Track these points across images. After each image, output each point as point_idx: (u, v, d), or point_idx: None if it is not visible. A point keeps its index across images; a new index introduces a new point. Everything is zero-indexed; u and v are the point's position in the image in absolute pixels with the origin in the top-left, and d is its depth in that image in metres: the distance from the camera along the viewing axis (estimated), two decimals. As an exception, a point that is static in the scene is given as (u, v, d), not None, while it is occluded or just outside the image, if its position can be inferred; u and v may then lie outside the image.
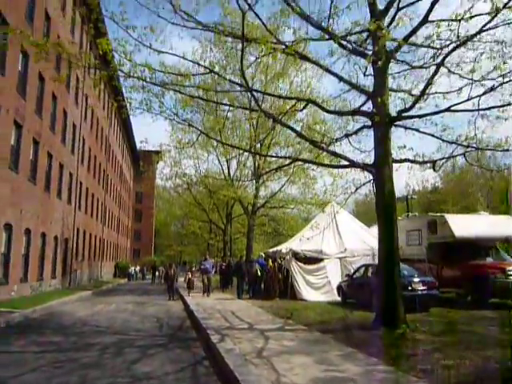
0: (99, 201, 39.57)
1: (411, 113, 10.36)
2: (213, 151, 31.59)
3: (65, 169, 26.24)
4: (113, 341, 9.42)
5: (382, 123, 9.79)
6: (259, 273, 21.23)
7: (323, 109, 10.84)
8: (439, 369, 6.30)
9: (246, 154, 30.42)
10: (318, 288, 19.00)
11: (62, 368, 6.90)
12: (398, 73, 11.02)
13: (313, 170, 27.56)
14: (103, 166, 41.14)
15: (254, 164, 28.69)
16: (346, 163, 10.12)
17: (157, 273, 49.78)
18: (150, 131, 74.85)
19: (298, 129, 14.72)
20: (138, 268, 53.56)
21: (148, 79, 9.69)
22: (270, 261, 20.17)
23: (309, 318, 12.37)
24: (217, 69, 11.54)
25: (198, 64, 10.75)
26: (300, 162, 24.23)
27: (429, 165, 11.89)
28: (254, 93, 10.65)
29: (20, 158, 18.55)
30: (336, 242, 20.17)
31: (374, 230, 24.23)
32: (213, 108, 24.62)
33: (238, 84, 10.96)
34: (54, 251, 25.03)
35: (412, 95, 11.47)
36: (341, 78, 10.40)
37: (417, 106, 10.23)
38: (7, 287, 17.54)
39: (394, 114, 10.47)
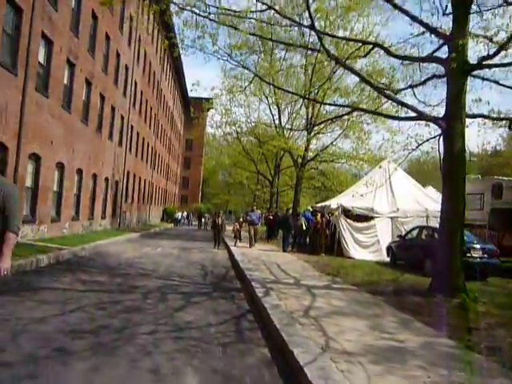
0: (149, 145, 39.91)
1: (493, 61, 9.14)
2: (264, 99, 30.68)
3: (116, 111, 26.27)
4: (157, 285, 9.31)
5: (459, 71, 8.68)
6: (305, 227, 20.82)
7: (391, 53, 9.76)
8: (507, 347, 5.65)
9: (298, 103, 29.45)
10: (366, 246, 18.38)
11: (104, 310, 6.77)
12: (480, 12, 9.63)
13: (368, 124, 26.37)
14: (154, 110, 41.17)
15: (307, 114, 27.65)
16: (413, 115, 9.14)
17: (203, 220, 50.82)
18: (201, 78, 74.12)
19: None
20: (184, 214, 54.66)
21: (202, 13, 8.94)
22: (318, 216, 19.61)
23: (357, 277, 11.85)
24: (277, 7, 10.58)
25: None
26: (356, 114, 23.16)
27: (504, 122, 10.70)
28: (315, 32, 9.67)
29: (72, 98, 18.51)
30: (388, 200, 19.27)
31: (429, 190, 23.14)
32: (268, 51, 23.49)
33: (298, 23, 10.01)
34: (105, 192, 25.53)
35: (493, 42, 10.14)
36: (414, 18, 9.25)
37: (501, 53, 8.98)
38: (59, 224, 18.02)
39: (472, 61, 9.28)
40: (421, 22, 9.21)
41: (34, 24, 14.07)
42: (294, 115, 31.73)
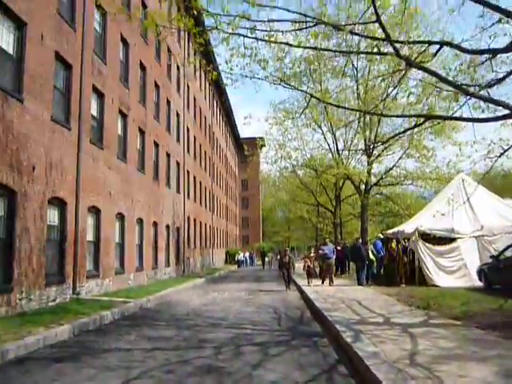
0: (207, 189, 39.96)
1: None
2: (318, 129, 29.82)
3: (172, 158, 26.33)
4: (228, 336, 8.31)
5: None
6: (372, 256, 19.24)
7: (463, 50, 8.60)
8: None
9: (353, 129, 28.33)
10: (451, 272, 16.52)
11: (172, 373, 5.83)
12: None
13: (431, 140, 24.66)
14: (208, 154, 41.46)
15: (365, 138, 26.37)
16: (506, 112, 7.81)
17: (266, 259, 49.78)
18: (251, 119, 75.03)
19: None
20: (247, 254, 53.86)
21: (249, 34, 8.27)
22: (393, 243, 18.02)
23: (453, 308, 10.27)
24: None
25: (305, 15, 9.08)
26: (416, 130, 21.70)
27: None
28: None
29: (127, 148, 18.52)
30: (469, 218, 17.43)
31: (510, 201, 20.84)
32: (317, 76, 22.76)
33: (361, 23, 9.08)
34: (167, 240, 25.27)
35: None
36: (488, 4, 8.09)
37: None
38: (124, 276, 17.66)
39: None
40: (497, 8, 8.02)
41: (84, 78, 14.17)
42: (350, 141, 30.60)
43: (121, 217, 17.69)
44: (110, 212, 16.28)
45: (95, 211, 15.21)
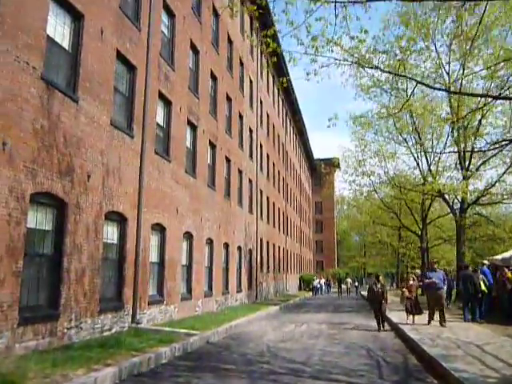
0: (280, 210, 38.02)
1: None
2: (403, 142, 26.97)
3: (244, 175, 24.77)
4: (317, 394, 6.10)
5: None
6: (483, 286, 15.91)
7: None
8: None
9: (442, 141, 25.24)
10: None
11: None
12: None
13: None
14: (282, 174, 39.68)
15: (459, 151, 23.19)
16: None
17: (343, 286, 46.51)
18: (326, 141, 72.64)
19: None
20: (322, 280, 50.68)
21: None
22: (507, 271, 14.84)
23: None
24: None
25: None
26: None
27: None
28: None
29: (197, 162, 17.09)
30: None
31: None
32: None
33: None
34: (239, 263, 23.51)
35: None
36: None
37: None
38: (191, 302, 15.97)
39: None
40: None
41: (150, 82, 12.88)
42: (438, 157, 27.38)
43: (188, 236, 16.14)
44: (176, 230, 14.75)
45: (160, 229, 13.72)
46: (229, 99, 22.31)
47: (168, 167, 14.31)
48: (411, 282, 14.64)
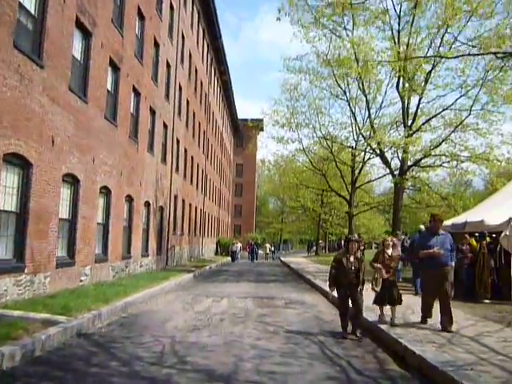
0: (200, 167, 34.00)
1: None
2: (341, 94, 24.07)
3: (157, 117, 20.37)
4: None
5: None
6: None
7: None
8: None
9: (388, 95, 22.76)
10: None
11: None
12: None
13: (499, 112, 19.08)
14: (203, 127, 35.46)
15: (403, 106, 20.71)
16: None
17: (261, 251, 44.50)
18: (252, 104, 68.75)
19: None
20: (239, 245, 47.19)
21: None
22: (473, 239, 12.39)
23: None
24: None
25: None
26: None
27: None
28: None
29: (89, 81, 12.54)
30: None
31: None
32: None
33: None
34: (146, 221, 19.45)
35: None
36: None
37: None
38: (73, 270, 11.79)
39: None
40: None
41: None
42: (381, 113, 24.94)
43: (72, 180, 11.80)
44: (50, 169, 10.34)
45: (20, 163, 9.29)
46: (141, 16, 17.64)
47: (39, 76, 9.76)
48: (390, 252, 8.08)
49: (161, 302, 11.35)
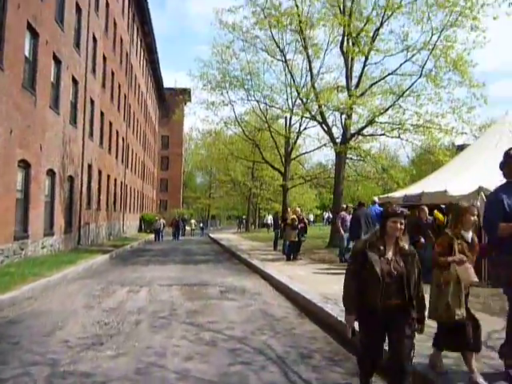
0: (120, 135, 30.42)
1: None
2: (279, 53, 21.78)
3: (64, 67, 16.90)
4: None
5: None
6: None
7: None
8: None
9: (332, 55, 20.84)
10: None
11: None
12: None
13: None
14: (124, 91, 31.71)
15: (347, 67, 18.91)
16: None
17: (187, 227, 42.52)
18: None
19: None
20: (162, 221, 43.38)
21: None
22: (439, 212, 10.74)
23: None
24: None
25: None
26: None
27: None
28: None
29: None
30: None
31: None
32: None
33: None
34: (51, 194, 16.19)
35: None
36: None
37: None
38: None
39: None
40: None
41: None
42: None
43: None
44: None
45: None
46: None
47: None
48: (470, 236, 4.14)
49: (57, 297, 8.61)
